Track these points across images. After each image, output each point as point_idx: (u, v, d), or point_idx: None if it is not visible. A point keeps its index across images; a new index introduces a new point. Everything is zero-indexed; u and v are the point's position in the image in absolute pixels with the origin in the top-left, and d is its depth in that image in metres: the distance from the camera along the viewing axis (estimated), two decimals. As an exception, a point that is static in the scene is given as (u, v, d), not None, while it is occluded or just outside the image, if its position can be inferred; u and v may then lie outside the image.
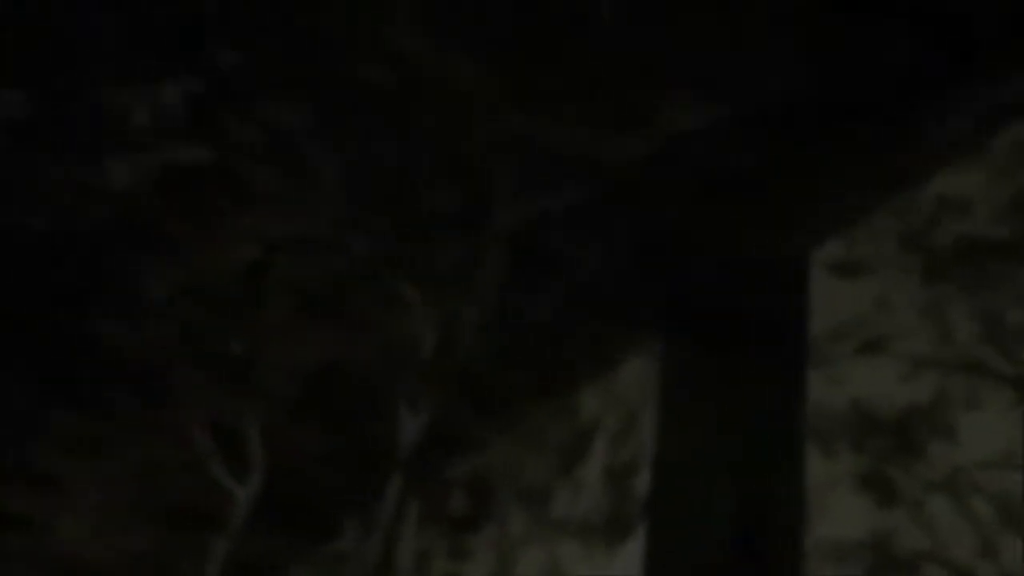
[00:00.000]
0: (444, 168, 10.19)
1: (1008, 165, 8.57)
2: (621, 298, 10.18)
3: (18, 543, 16.06)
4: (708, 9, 8.28)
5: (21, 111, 11.27)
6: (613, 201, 9.50)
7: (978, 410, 8.20)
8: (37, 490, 15.41)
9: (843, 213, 9.35)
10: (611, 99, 9.05)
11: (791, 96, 8.80)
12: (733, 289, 9.79)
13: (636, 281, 10.04)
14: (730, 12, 8.37)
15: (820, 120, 8.95)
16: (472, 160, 9.91)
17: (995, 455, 7.97)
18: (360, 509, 12.87)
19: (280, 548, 15.08)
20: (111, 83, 11.20)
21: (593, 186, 9.46)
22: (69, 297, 13.60)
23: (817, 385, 9.22)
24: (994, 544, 7.90)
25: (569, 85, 8.98)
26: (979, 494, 8.02)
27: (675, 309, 10.11)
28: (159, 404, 13.82)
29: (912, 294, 8.88)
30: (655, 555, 9.79)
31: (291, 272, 11.36)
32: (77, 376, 14.45)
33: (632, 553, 9.97)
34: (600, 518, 10.39)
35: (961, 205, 8.77)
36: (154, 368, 13.46)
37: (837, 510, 8.84)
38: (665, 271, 9.92)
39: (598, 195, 9.48)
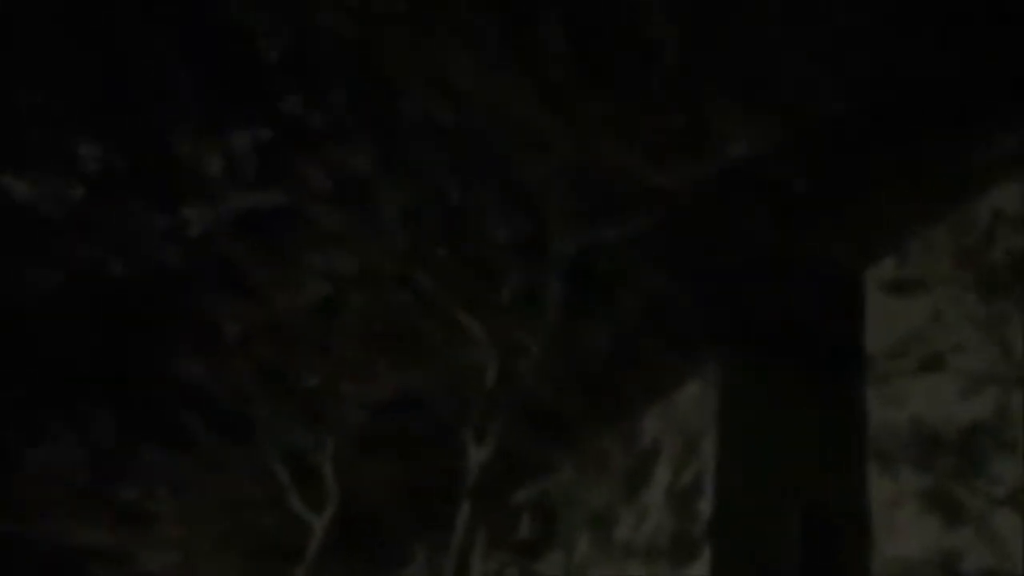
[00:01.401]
0: (504, 201, 9.87)
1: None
2: (679, 323, 9.76)
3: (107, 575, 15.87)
4: (759, 33, 7.92)
5: (100, 163, 11.17)
6: (669, 227, 9.12)
7: (1042, 424, 7.74)
8: (125, 524, 15.25)
9: (897, 230, 8.89)
10: (664, 126, 8.69)
11: (843, 116, 8.40)
12: (789, 310, 9.34)
13: (693, 305, 9.62)
14: (783, 37, 8.01)
15: (873, 139, 8.54)
16: (530, 192, 9.59)
17: (1060, 469, 7.52)
18: (430, 537, 12.51)
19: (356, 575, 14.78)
20: (184, 134, 11.08)
21: (649, 212, 9.08)
22: (151, 339, 13.46)
23: (876, 403, 8.73)
24: (1063, 559, 7.43)
25: (623, 113, 8.64)
26: (1046, 509, 7.54)
27: (732, 332, 9.66)
28: (239, 440, 13.62)
29: (969, 310, 8.39)
30: (721, 573, 9.31)
31: (360, 308, 11.12)
32: (161, 414, 14.31)
33: (698, 572, 9.50)
34: (665, 540, 9.93)
35: (1016, 220, 8.29)
36: (233, 405, 13.28)
37: (903, 529, 8.32)
38: (722, 294, 9.49)
39: (654, 221, 9.10)
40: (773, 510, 9.33)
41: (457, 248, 10.27)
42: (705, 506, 9.54)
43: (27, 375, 15.93)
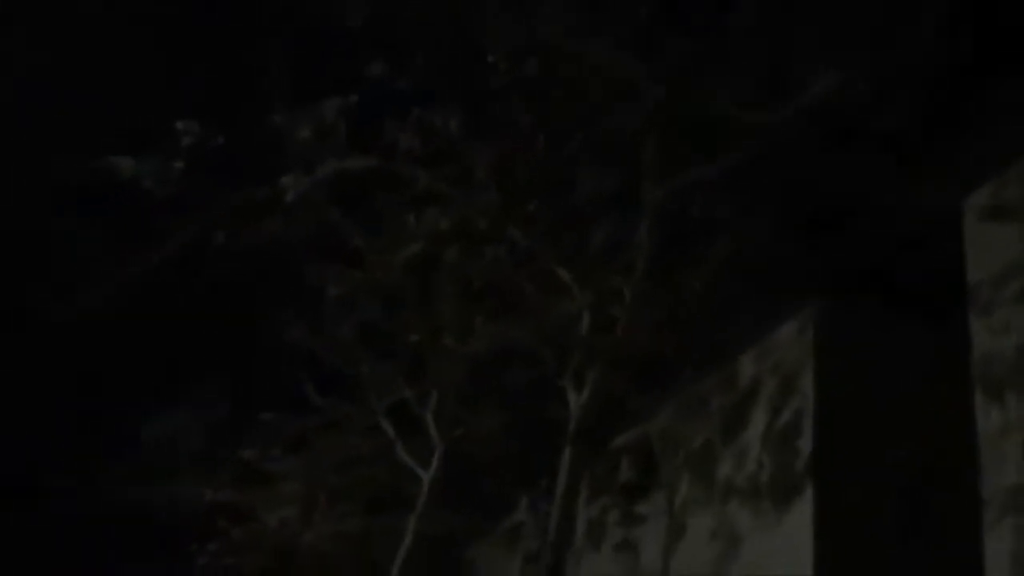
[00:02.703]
0: (592, 151, 9.43)
1: None
2: (773, 263, 9.23)
3: (238, 532, 15.92)
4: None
5: (198, 138, 10.94)
6: (762, 167, 8.59)
7: None
8: (248, 485, 15.25)
9: (994, 159, 8.25)
10: (754, 65, 8.17)
11: (938, 48, 7.81)
12: (887, 244, 8.76)
13: (789, 245, 9.09)
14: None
15: (967, 71, 7.94)
16: (618, 140, 9.13)
17: None
18: (534, 484, 12.19)
19: (461, 524, 14.57)
20: (277, 105, 10.79)
21: (739, 154, 8.56)
22: (258, 306, 13.31)
23: (980, 333, 8.12)
24: None
25: (709, 55, 8.13)
26: None
27: (828, 270, 9.11)
28: (348, 398, 13.48)
29: (1072, 234, 7.77)
30: (825, 512, 8.82)
31: (456, 264, 10.80)
32: (273, 379, 14.21)
33: (801, 511, 9.03)
34: (766, 480, 9.46)
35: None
36: (339, 365, 13.12)
37: (1011, 458, 7.75)
38: (816, 232, 8.95)
39: (745, 163, 8.58)
40: (876, 446, 8.80)
41: (548, 201, 9.85)
42: (806, 445, 9.05)
43: (143, 349, 15.99)
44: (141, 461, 15.92)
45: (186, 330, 14.83)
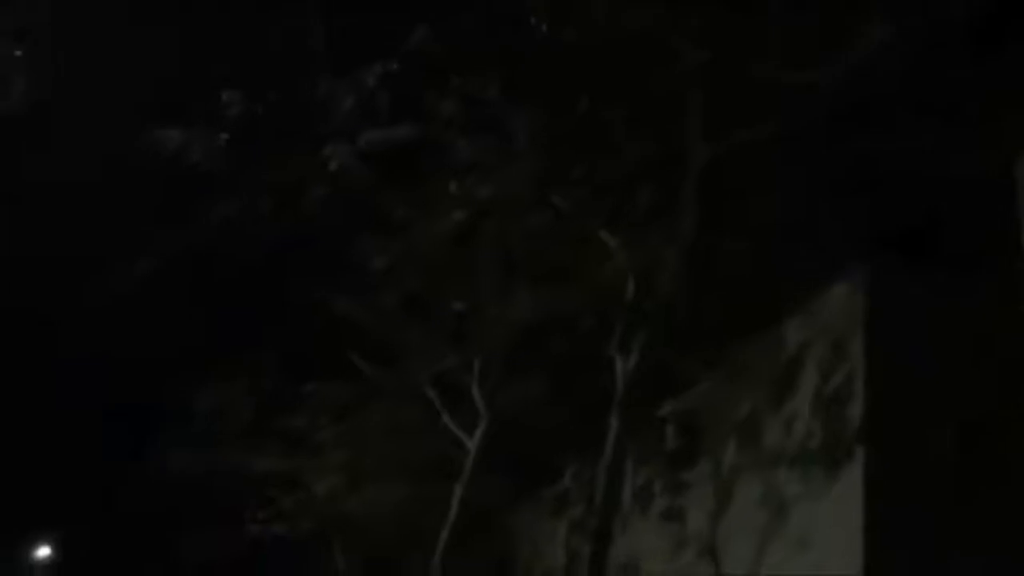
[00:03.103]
0: (634, 115, 9.14)
1: None
2: (822, 226, 8.91)
3: (286, 500, 15.93)
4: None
5: (240, 109, 10.77)
6: (810, 128, 8.26)
7: None
8: (295, 453, 15.21)
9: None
10: (797, 25, 7.84)
11: (986, 10, 7.46)
12: (938, 205, 8.41)
13: (836, 207, 8.77)
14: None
15: (1021, 30, 7.58)
16: (660, 104, 8.83)
17: None
18: (580, 451, 11.99)
19: (508, 492, 14.43)
20: (318, 75, 10.60)
21: (785, 115, 8.24)
22: (304, 277, 13.19)
23: (1037, 296, 7.79)
24: None
25: (753, 13, 7.81)
26: None
27: (879, 232, 8.77)
28: (393, 367, 13.35)
29: None
30: (876, 478, 8.53)
31: (499, 232, 10.58)
32: (319, 349, 14.12)
33: (851, 478, 8.74)
34: (816, 446, 9.17)
35: None
36: (385, 335, 12.99)
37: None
38: (866, 194, 8.61)
39: (791, 124, 8.25)
40: (929, 412, 8.48)
41: (591, 166, 9.59)
42: (856, 410, 8.73)
43: (191, 321, 15.96)
44: (194, 432, 15.99)
45: (233, 303, 14.78)
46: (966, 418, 8.33)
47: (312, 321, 13.49)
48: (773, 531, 9.31)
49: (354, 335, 12.95)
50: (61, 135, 13.27)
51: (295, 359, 14.54)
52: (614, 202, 9.38)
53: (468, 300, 11.44)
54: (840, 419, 8.84)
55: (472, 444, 12.25)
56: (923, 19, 7.95)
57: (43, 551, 20.87)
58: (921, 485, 8.44)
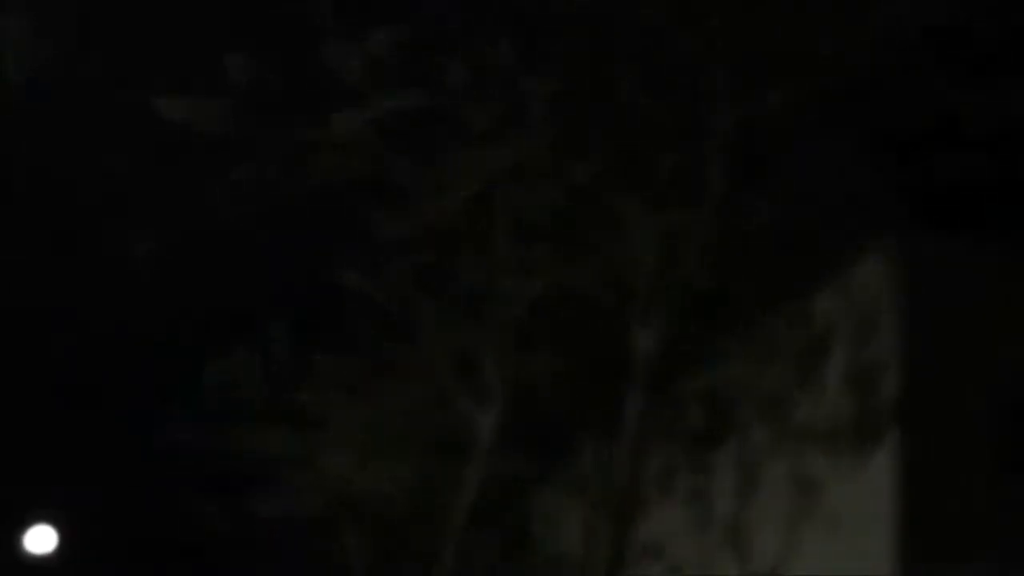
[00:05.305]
0: (655, 80, 8.79)
1: None
2: (853, 194, 8.57)
3: (295, 478, 15.73)
4: None
5: (245, 74, 10.49)
6: (838, 91, 7.91)
7: None
8: (305, 430, 15.00)
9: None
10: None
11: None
12: (976, 173, 8.06)
13: (867, 174, 8.42)
14: None
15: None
16: (682, 67, 8.48)
17: None
18: (600, 429, 11.72)
19: (525, 470, 14.19)
20: (324, 40, 10.30)
21: (814, 78, 7.88)
22: (314, 250, 12.95)
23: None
24: None
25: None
26: None
27: (914, 201, 8.43)
28: (405, 343, 13.11)
29: None
30: (909, 457, 8.24)
31: (514, 203, 10.26)
32: (330, 323, 13.91)
33: (884, 457, 8.45)
34: (846, 425, 8.88)
35: None
36: (396, 309, 12.72)
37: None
38: (901, 161, 8.26)
39: (821, 86, 7.90)
40: (965, 389, 8.17)
41: (608, 133, 9.24)
42: (889, 386, 8.43)
43: (200, 293, 15.78)
44: (201, 406, 15.82)
45: (243, 274, 14.59)
46: (1006, 397, 8.05)
47: (323, 295, 13.26)
48: (801, 513, 9.06)
49: (366, 309, 12.71)
50: (64, 104, 13.06)
51: (306, 333, 14.34)
52: (635, 169, 9.05)
53: (482, 273, 11.15)
54: (872, 397, 8.55)
55: (487, 421, 12.00)
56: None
57: (44, 528, 20.83)
58: (957, 467, 8.17)
